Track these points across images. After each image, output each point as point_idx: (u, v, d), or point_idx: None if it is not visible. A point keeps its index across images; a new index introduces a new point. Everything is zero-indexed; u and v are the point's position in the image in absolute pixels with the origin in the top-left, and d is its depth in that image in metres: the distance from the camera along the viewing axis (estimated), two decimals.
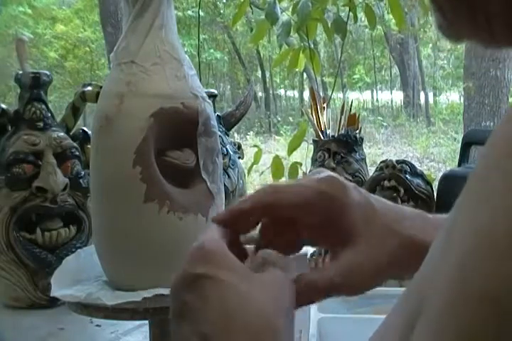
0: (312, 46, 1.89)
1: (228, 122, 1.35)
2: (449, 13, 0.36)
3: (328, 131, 1.40)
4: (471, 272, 0.26)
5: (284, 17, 1.89)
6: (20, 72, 1.19)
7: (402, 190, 1.20)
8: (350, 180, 0.64)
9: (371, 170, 1.32)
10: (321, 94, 2.55)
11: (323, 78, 10.09)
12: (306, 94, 10.93)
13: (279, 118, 11.51)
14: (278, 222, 0.53)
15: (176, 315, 0.45)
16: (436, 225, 0.51)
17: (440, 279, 0.28)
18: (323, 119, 1.41)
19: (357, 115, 1.41)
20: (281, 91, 14.58)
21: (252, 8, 2.05)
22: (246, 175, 1.47)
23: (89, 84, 1.24)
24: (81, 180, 1.18)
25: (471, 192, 0.28)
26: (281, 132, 9.61)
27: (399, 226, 0.51)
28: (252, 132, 9.36)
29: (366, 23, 1.94)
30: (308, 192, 0.51)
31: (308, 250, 0.97)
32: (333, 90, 2.36)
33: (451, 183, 1.32)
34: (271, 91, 13.03)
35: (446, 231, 0.30)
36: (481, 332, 0.25)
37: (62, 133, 1.19)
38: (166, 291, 0.68)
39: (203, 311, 0.43)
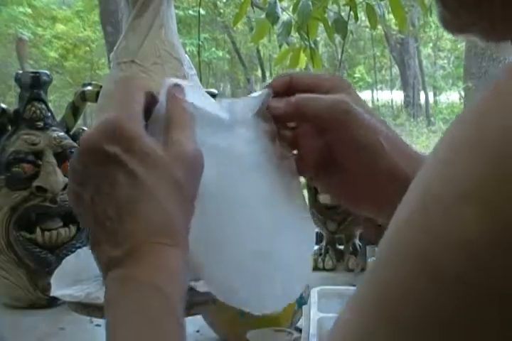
0: (313, 45, 1.89)
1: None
2: (453, 2, 0.37)
3: None
4: (410, 230, 0.28)
5: (284, 16, 1.89)
6: (20, 71, 1.19)
7: None
8: None
9: None
10: None
11: None
12: None
13: None
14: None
15: (78, 183, 0.48)
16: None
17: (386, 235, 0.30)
18: None
19: None
20: None
21: (253, 8, 2.05)
22: None
23: (90, 84, 1.23)
24: None
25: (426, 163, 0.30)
26: None
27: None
28: None
29: (367, 22, 1.93)
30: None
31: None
32: None
33: None
34: None
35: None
36: (412, 287, 0.27)
37: (62, 133, 1.19)
38: None
39: (110, 196, 0.46)
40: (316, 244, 1.38)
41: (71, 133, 1.23)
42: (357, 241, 1.39)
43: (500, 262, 0.25)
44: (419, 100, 12.27)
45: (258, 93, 0.58)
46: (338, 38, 2.00)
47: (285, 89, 0.57)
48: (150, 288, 0.44)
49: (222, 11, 10.47)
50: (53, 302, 1.11)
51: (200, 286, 0.68)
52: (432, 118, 11.44)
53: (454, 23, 0.39)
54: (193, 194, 0.49)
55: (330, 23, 1.88)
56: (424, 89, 12.55)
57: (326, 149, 0.56)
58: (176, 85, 0.53)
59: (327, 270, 1.38)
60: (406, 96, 12.04)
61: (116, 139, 0.46)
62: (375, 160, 0.54)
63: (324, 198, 1.33)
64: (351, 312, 0.30)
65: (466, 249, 0.26)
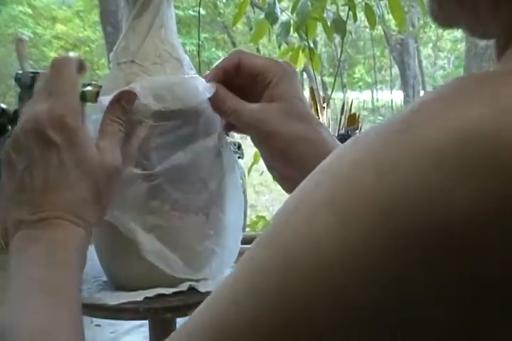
0: (312, 45, 1.89)
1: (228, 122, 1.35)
2: None
3: None
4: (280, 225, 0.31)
5: (283, 16, 1.89)
6: (20, 71, 1.19)
7: None
8: None
9: None
10: (321, 93, 2.55)
11: (323, 78, 10.09)
12: (306, 94, 10.92)
13: None
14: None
15: (16, 151, 0.56)
16: None
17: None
18: (323, 119, 1.41)
19: (357, 115, 1.41)
20: None
21: (253, 8, 2.04)
22: (246, 175, 1.47)
23: (89, 84, 1.23)
24: None
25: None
26: None
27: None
28: None
29: (366, 22, 1.94)
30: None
31: None
32: (332, 90, 2.36)
33: None
34: None
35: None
36: (269, 275, 0.30)
37: None
38: (167, 291, 0.68)
39: (40, 173, 0.55)
40: None
41: None
42: None
43: (337, 268, 0.28)
44: None
45: (207, 85, 0.66)
46: (337, 38, 2.00)
47: (234, 71, 0.64)
48: (53, 244, 0.53)
49: (222, 11, 10.46)
50: None
51: (201, 286, 0.68)
52: None
53: (440, 15, 0.39)
54: (107, 197, 0.58)
55: (329, 23, 1.88)
56: (424, 89, 12.55)
57: None
58: (127, 92, 0.63)
59: None
60: (406, 96, 12.04)
61: (61, 129, 0.55)
62: (289, 165, 0.60)
63: None
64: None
65: (316, 252, 0.28)
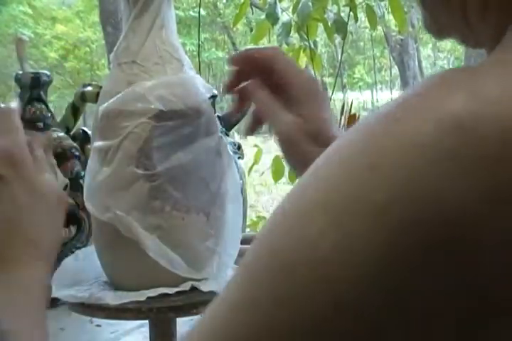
0: (312, 46, 1.89)
1: (228, 122, 1.35)
2: (431, 5, 0.38)
3: None
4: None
5: (284, 17, 1.89)
6: (20, 72, 1.19)
7: None
8: None
9: None
10: None
11: (323, 78, 10.09)
12: None
13: None
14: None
15: None
16: None
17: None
18: None
19: (357, 115, 1.41)
20: None
21: (252, 9, 2.04)
22: (246, 175, 1.47)
23: (89, 85, 1.23)
24: (81, 180, 1.18)
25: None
26: None
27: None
28: None
29: (366, 23, 1.94)
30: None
31: None
32: (333, 90, 2.36)
33: None
34: None
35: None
36: (263, 280, 0.29)
37: (62, 133, 1.19)
38: (170, 290, 0.68)
39: None
40: None
41: (71, 133, 1.23)
42: None
43: (335, 269, 0.27)
44: None
45: (207, 85, 0.69)
46: (338, 38, 2.00)
47: (266, 68, 0.64)
48: (17, 280, 0.55)
49: (222, 11, 10.46)
50: (53, 302, 1.11)
51: (203, 286, 0.68)
52: None
53: (433, 26, 0.39)
54: (59, 223, 0.60)
55: (330, 24, 1.88)
56: None
57: None
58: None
59: None
60: None
61: (10, 165, 0.57)
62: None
63: None
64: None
65: (312, 253, 0.28)
